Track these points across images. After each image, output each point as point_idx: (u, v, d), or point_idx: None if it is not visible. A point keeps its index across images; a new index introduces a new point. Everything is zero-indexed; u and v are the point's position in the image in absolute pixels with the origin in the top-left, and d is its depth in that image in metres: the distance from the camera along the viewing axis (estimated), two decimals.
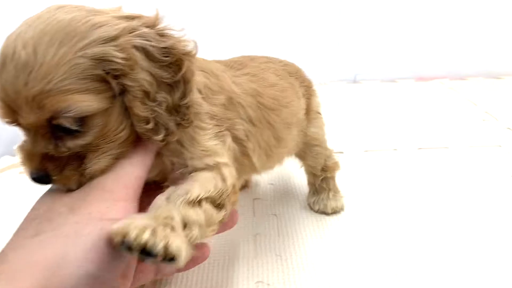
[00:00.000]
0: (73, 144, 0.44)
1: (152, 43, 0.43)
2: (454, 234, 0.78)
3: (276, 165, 0.75)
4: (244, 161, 0.61)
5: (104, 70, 0.42)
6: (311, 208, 0.88)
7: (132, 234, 0.38)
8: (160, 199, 0.46)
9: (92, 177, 0.45)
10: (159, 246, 0.38)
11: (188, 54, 0.46)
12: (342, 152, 1.10)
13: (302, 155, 0.84)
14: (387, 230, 0.79)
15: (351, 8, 1.65)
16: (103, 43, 0.41)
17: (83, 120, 0.42)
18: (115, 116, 0.44)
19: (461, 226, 0.80)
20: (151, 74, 0.43)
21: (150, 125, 0.45)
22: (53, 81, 0.40)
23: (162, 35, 0.45)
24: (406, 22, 1.67)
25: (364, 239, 0.78)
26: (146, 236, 0.38)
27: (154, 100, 0.44)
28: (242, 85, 0.61)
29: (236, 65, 0.66)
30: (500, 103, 1.41)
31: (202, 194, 0.47)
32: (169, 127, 0.46)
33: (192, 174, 0.50)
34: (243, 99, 0.60)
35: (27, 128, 0.44)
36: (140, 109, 0.44)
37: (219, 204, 0.49)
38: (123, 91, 0.43)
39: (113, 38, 0.42)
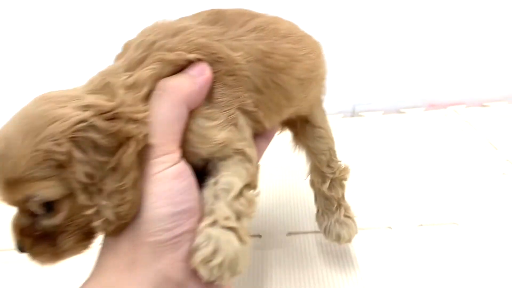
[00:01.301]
0: (46, 223, 0.48)
1: (95, 134, 0.44)
2: None
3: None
4: (256, 127, 0.58)
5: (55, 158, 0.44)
6: (325, 236, 0.77)
7: (215, 262, 0.45)
8: (209, 197, 0.49)
9: (64, 256, 0.49)
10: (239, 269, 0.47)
11: (134, 138, 0.45)
12: None
13: (304, 133, 0.73)
14: None
15: (346, 27, 1.40)
16: (49, 139, 0.44)
17: (51, 204, 0.46)
18: (78, 205, 0.46)
19: None
20: (92, 165, 0.44)
21: (91, 211, 0.46)
22: (20, 170, 0.44)
23: (112, 118, 0.45)
24: (411, 39, 1.42)
25: None
26: (226, 262, 0.45)
27: (95, 189, 0.45)
28: (244, 49, 0.54)
29: (234, 21, 0.56)
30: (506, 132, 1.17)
31: (241, 184, 0.50)
32: (107, 215, 0.45)
33: (221, 163, 0.51)
34: (247, 69, 0.54)
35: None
36: (80, 199, 0.45)
37: (253, 185, 0.53)
38: None
39: (58, 134, 0.44)
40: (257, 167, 0.55)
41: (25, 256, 0.49)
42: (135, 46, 0.51)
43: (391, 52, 1.43)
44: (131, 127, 0.45)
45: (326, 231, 0.77)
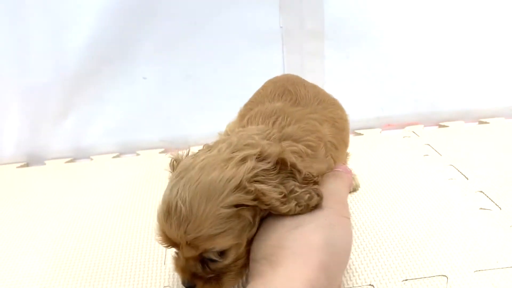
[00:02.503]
0: (214, 267, 0.61)
1: (264, 169, 0.58)
2: None
3: None
4: None
5: (238, 208, 0.57)
6: None
7: None
8: None
9: None
10: None
11: (282, 157, 0.60)
12: None
13: None
14: None
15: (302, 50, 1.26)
16: (233, 192, 0.56)
17: (223, 252, 0.59)
18: (243, 246, 0.60)
19: None
20: (274, 186, 0.58)
21: (299, 208, 0.59)
22: (203, 230, 0.56)
23: (265, 158, 0.60)
24: (365, 59, 1.31)
25: None
26: None
27: (286, 197, 0.58)
28: (321, 119, 0.73)
29: (306, 99, 0.77)
30: (499, 171, 1.08)
31: None
32: (304, 198, 0.59)
33: None
34: (329, 136, 0.72)
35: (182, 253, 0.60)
36: (285, 210, 0.58)
37: None
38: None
39: (239, 186, 0.57)
40: None
41: None
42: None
43: (346, 73, 1.31)
44: (281, 151, 0.61)
45: None
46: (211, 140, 1.14)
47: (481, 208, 0.94)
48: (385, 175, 1.09)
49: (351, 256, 0.81)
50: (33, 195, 1.11)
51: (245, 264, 0.62)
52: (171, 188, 0.59)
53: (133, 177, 1.15)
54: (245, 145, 0.62)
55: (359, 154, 1.18)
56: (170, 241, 0.60)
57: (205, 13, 1.21)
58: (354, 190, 1.02)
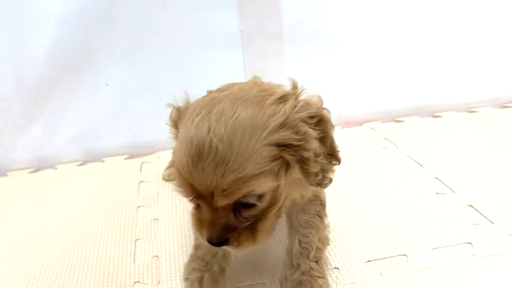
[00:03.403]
0: (248, 214, 0.55)
1: (305, 113, 0.54)
2: None
3: None
4: None
5: (280, 149, 0.52)
6: None
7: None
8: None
9: (261, 240, 0.57)
10: None
11: (323, 113, 0.57)
12: None
13: None
14: None
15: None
16: (279, 129, 0.52)
17: (260, 196, 0.53)
18: (281, 189, 0.55)
19: None
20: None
21: (320, 176, 0.57)
22: (245, 170, 0.49)
23: (307, 103, 0.56)
24: (324, 60, 1.37)
25: None
26: None
27: (319, 156, 0.56)
28: None
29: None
30: (451, 159, 1.14)
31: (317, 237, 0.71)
32: (328, 172, 0.59)
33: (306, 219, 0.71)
34: None
35: (210, 203, 0.53)
36: (314, 167, 0.55)
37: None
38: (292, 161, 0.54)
39: (286, 123, 0.52)
40: None
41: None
42: None
43: (306, 73, 1.36)
44: (319, 106, 0.60)
45: None
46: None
47: (436, 193, 1.00)
48: (348, 167, 1.13)
49: None
50: None
51: (279, 211, 0.58)
52: (196, 126, 0.51)
53: (99, 184, 1.15)
54: (271, 86, 0.58)
55: None
56: (196, 192, 0.53)
57: (165, 19, 1.23)
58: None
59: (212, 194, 0.51)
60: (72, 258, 0.87)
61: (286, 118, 0.52)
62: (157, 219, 0.98)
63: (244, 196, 0.52)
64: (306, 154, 0.53)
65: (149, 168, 1.24)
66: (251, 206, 0.54)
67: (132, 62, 1.26)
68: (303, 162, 0.54)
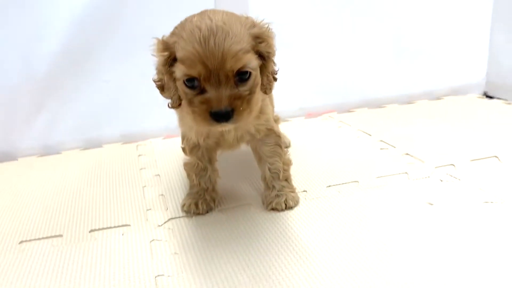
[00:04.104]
0: (243, 89, 0.74)
1: (266, 25, 0.79)
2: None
3: None
4: None
5: (256, 41, 0.76)
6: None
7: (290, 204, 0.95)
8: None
9: (254, 113, 0.79)
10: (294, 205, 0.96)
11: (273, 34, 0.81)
12: None
13: None
14: None
15: None
16: (253, 27, 0.76)
17: (249, 74, 0.74)
18: (258, 78, 0.77)
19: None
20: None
21: (267, 86, 0.83)
22: (242, 44, 0.72)
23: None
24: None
25: None
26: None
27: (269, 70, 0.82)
28: None
29: None
30: (392, 131, 1.42)
31: (282, 162, 0.95)
32: (271, 83, 0.85)
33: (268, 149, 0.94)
34: None
35: (215, 80, 0.71)
36: (272, 67, 0.82)
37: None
38: (262, 56, 0.78)
39: (254, 24, 0.77)
40: None
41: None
42: None
43: None
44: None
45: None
46: (166, 133, 1.41)
47: (381, 148, 1.27)
48: (314, 143, 1.40)
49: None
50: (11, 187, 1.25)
51: (257, 98, 0.78)
52: (198, 21, 0.72)
53: (98, 166, 1.32)
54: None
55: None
56: (207, 70, 0.70)
57: (160, 20, 1.48)
58: (286, 146, 1.29)
59: (222, 65, 0.70)
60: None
61: (254, 23, 0.77)
62: (158, 174, 1.20)
63: (243, 67, 0.72)
64: (269, 50, 0.78)
65: (144, 148, 1.45)
66: (244, 81, 0.74)
67: (129, 61, 1.48)
68: (265, 60, 0.78)
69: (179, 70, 0.74)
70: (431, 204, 0.92)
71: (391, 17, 1.72)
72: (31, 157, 1.45)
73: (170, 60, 0.76)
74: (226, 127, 0.78)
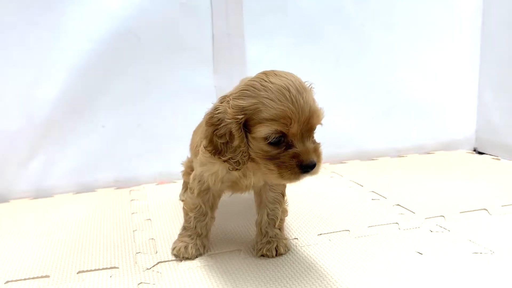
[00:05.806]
0: (313, 143, 0.80)
1: None
2: None
3: None
4: None
5: None
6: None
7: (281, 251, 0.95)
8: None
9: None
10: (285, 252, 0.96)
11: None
12: None
13: None
14: None
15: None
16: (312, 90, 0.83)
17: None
18: None
19: None
20: None
21: None
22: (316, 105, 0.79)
23: None
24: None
25: None
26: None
27: None
28: None
29: None
30: (383, 182, 1.44)
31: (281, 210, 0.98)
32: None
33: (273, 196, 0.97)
34: None
35: (300, 135, 0.77)
36: None
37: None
38: None
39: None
40: None
41: None
42: None
43: None
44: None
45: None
46: (160, 179, 1.42)
47: (372, 199, 1.28)
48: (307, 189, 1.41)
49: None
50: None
51: None
52: (280, 82, 0.76)
53: (90, 209, 1.32)
54: None
55: None
56: (299, 125, 0.75)
57: (155, 74, 1.53)
58: None
59: (308, 121, 0.76)
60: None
61: None
62: (149, 219, 1.20)
63: (317, 123, 0.79)
64: None
65: (137, 193, 1.45)
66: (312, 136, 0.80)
67: (125, 108, 1.52)
68: None
69: (266, 129, 0.76)
70: (421, 254, 0.93)
71: (383, 74, 1.80)
72: (24, 200, 1.45)
73: (243, 123, 0.78)
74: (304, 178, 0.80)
